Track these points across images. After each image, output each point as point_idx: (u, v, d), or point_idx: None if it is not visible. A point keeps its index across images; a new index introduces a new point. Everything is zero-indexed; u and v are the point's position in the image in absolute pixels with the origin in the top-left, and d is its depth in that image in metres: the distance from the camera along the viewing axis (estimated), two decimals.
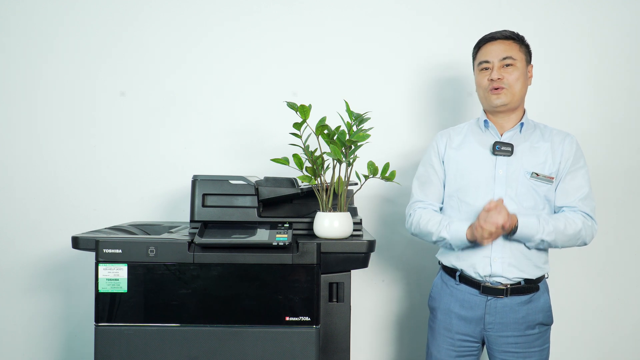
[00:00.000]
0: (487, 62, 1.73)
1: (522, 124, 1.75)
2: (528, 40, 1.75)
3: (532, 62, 1.79)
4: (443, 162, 1.80)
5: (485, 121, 1.77)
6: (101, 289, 1.60)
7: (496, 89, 1.71)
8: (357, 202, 2.24)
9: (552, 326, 1.69)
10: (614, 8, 2.35)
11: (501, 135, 1.75)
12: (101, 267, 1.60)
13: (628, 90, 2.37)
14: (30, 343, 2.31)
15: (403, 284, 2.36)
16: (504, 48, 1.72)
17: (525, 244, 1.68)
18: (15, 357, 2.31)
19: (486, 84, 1.73)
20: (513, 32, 1.75)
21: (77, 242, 1.67)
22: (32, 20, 2.30)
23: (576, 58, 2.35)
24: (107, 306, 1.60)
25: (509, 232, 1.63)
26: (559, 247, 1.70)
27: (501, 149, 1.71)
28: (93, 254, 1.62)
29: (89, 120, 2.32)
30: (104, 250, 1.60)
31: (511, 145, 1.71)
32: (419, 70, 2.35)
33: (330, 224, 1.68)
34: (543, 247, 1.69)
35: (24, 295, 2.31)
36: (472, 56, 1.82)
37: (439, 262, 1.85)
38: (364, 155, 1.91)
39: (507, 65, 1.71)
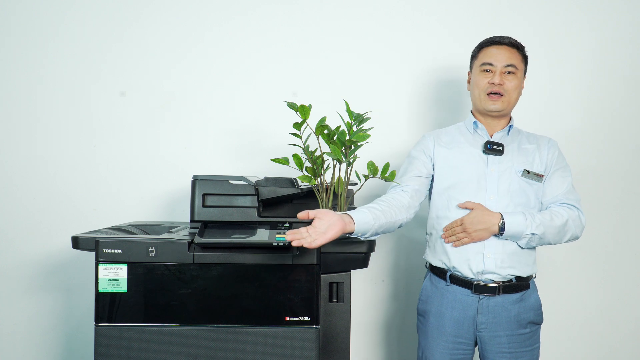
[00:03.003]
0: (490, 64, 1.74)
1: (510, 127, 1.79)
2: (528, 40, 1.76)
3: (526, 74, 1.82)
4: (432, 159, 1.81)
5: (475, 122, 1.80)
6: (101, 289, 1.60)
7: (494, 93, 1.73)
8: (357, 202, 2.23)
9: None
10: (615, 8, 2.35)
11: (491, 137, 1.79)
12: (101, 267, 1.60)
13: (628, 90, 2.37)
14: (30, 343, 2.31)
15: (403, 283, 2.36)
16: (509, 55, 1.74)
17: (517, 243, 1.69)
18: (15, 357, 2.31)
19: (485, 86, 1.74)
20: (517, 41, 1.77)
21: (77, 242, 1.67)
22: (32, 20, 2.30)
23: (577, 57, 2.35)
24: (107, 306, 1.60)
25: (498, 232, 1.66)
26: (552, 243, 1.71)
27: (493, 147, 1.74)
28: (93, 254, 1.61)
29: (89, 120, 2.32)
30: (104, 250, 1.60)
31: (502, 145, 1.75)
32: (420, 70, 2.35)
33: None
34: (535, 244, 1.70)
35: (24, 295, 2.31)
36: (473, 55, 1.83)
37: (426, 263, 1.85)
38: (364, 155, 1.91)
39: (509, 72, 1.73)
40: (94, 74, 2.32)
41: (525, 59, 1.79)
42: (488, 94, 1.74)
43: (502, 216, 1.66)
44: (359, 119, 1.69)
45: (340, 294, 1.71)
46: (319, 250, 1.62)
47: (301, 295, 1.60)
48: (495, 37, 1.78)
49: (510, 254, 1.70)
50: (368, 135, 1.66)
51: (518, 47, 1.76)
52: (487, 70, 1.75)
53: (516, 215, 1.67)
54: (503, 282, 1.70)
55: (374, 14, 2.34)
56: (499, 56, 1.74)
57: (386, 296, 2.37)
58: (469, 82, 1.84)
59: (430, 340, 1.78)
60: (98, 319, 1.60)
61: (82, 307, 2.29)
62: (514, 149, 1.76)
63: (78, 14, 2.31)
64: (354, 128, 1.70)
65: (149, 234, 1.85)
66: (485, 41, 1.79)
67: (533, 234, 1.66)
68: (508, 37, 1.77)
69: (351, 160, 1.70)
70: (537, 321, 1.76)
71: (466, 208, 1.70)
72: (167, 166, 2.32)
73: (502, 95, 1.73)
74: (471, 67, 1.83)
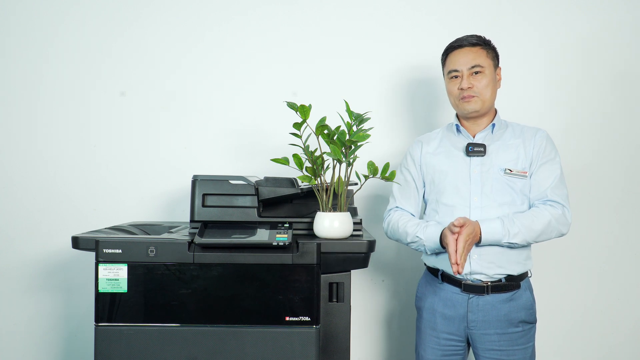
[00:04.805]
0: (456, 71, 1.77)
1: (493, 125, 1.80)
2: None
3: (500, 65, 1.82)
4: (420, 167, 1.86)
5: (457, 125, 1.83)
6: (101, 289, 1.60)
7: (467, 97, 1.75)
8: (357, 202, 2.24)
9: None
10: (615, 8, 2.35)
11: (473, 137, 1.80)
12: (101, 267, 1.60)
13: (629, 89, 2.37)
14: (30, 343, 2.31)
15: (403, 283, 2.36)
16: (472, 56, 1.76)
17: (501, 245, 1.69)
18: (15, 357, 2.31)
19: (457, 92, 1.78)
20: (479, 37, 1.79)
21: (77, 242, 1.67)
22: (32, 20, 2.30)
23: (577, 56, 2.35)
24: (107, 306, 1.60)
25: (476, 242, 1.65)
26: (537, 242, 1.71)
27: (474, 149, 1.75)
28: (93, 254, 1.61)
29: (89, 120, 2.32)
30: (104, 250, 1.60)
31: (483, 146, 1.76)
32: (420, 70, 2.35)
33: (330, 224, 1.68)
34: (518, 246, 1.69)
35: (24, 295, 2.31)
36: (441, 63, 1.86)
37: (424, 263, 1.88)
38: (364, 155, 1.91)
39: (476, 72, 1.75)
40: (94, 74, 2.32)
41: (492, 51, 1.79)
42: (461, 99, 1.77)
43: (479, 225, 1.64)
44: (359, 119, 1.69)
45: (340, 294, 1.71)
46: (319, 250, 1.62)
47: (301, 295, 1.60)
48: (455, 40, 1.80)
49: (496, 253, 1.70)
50: (368, 135, 1.66)
51: (481, 44, 1.77)
52: (455, 77, 1.78)
53: (493, 222, 1.65)
54: (492, 281, 1.72)
55: (374, 14, 2.34)
56: (462, 60, 1.76)
57: (386, 296, 2.37)
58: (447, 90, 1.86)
59: (423, 336, 1.81)
60: (98, 319, 1.60)
61: (82, 307, 2.29)
62: (497, 147, 1.77)
63: (78, 14, 2.31)
64: (354, 128, 1.69)
65: (149, 234, 1.85)
66: (447, 47, 1.82)
67: (510, 242, 1.65)
68: (468, 38, 1.78)
69: (351, 160, 1.70)
70: (530, 320, 1.76)
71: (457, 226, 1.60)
72: (167, 166, 2.32)
73: (474, 97, 1.75)
74: (443, 74, 1.86)
